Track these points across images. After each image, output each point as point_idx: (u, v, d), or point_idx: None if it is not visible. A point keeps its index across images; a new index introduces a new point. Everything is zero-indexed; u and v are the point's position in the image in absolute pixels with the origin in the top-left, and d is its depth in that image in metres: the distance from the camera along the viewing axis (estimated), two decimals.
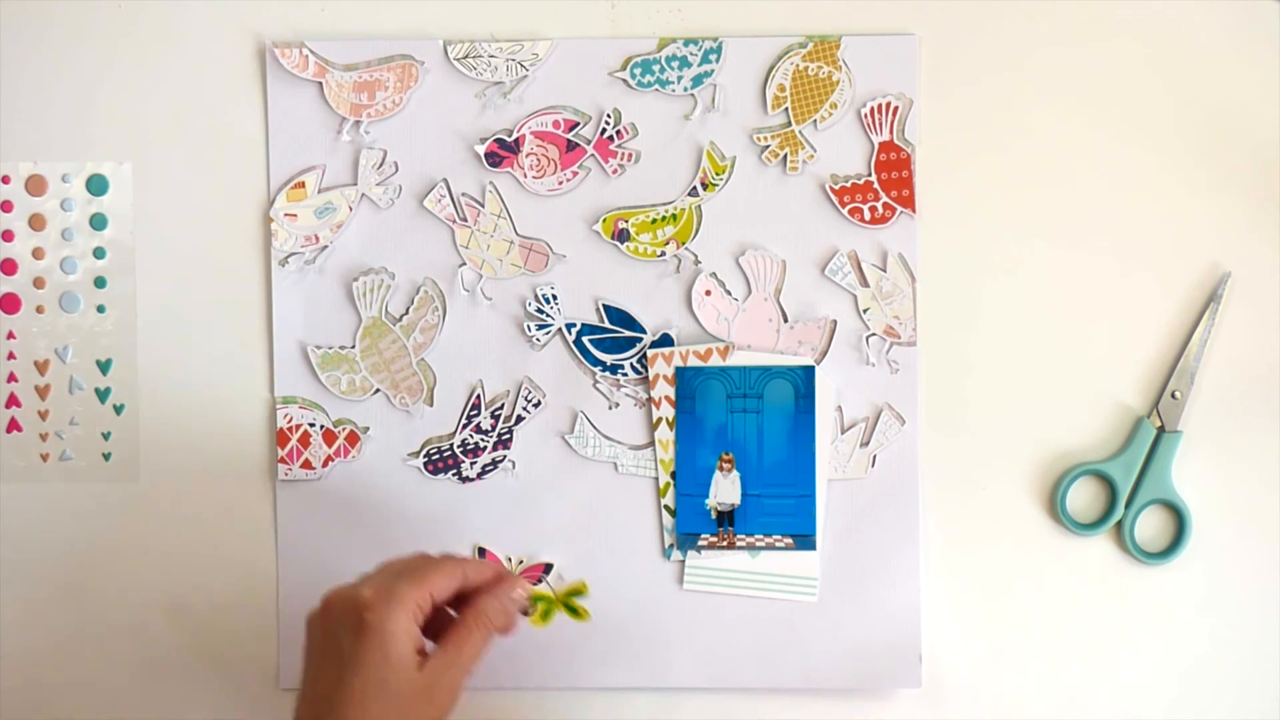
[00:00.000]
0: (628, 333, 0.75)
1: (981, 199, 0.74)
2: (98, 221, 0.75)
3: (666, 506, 0.74)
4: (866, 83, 0.74)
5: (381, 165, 0.75)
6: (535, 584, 0.74)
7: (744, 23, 0.74)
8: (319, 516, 0.75)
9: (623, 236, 0.74)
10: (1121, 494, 0.74)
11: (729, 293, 0.74)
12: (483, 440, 0.75)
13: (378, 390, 0.75)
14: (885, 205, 0.74)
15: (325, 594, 0.64)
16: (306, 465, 0.75)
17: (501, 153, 0.74)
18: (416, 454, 0.75)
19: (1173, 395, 0.74)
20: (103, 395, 0.75)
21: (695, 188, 0.74)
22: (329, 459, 0.75)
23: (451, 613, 0.65)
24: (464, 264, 0.75)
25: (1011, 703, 0.74)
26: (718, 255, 0.74)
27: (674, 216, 0.74)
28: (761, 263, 0.74)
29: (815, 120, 0.74)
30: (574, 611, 0.71)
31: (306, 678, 0.63)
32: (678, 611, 0.74)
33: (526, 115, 0.74)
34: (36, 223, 0.75)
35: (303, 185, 0.75)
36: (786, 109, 0.74)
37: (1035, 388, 0.74)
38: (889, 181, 0.74)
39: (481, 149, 0.74)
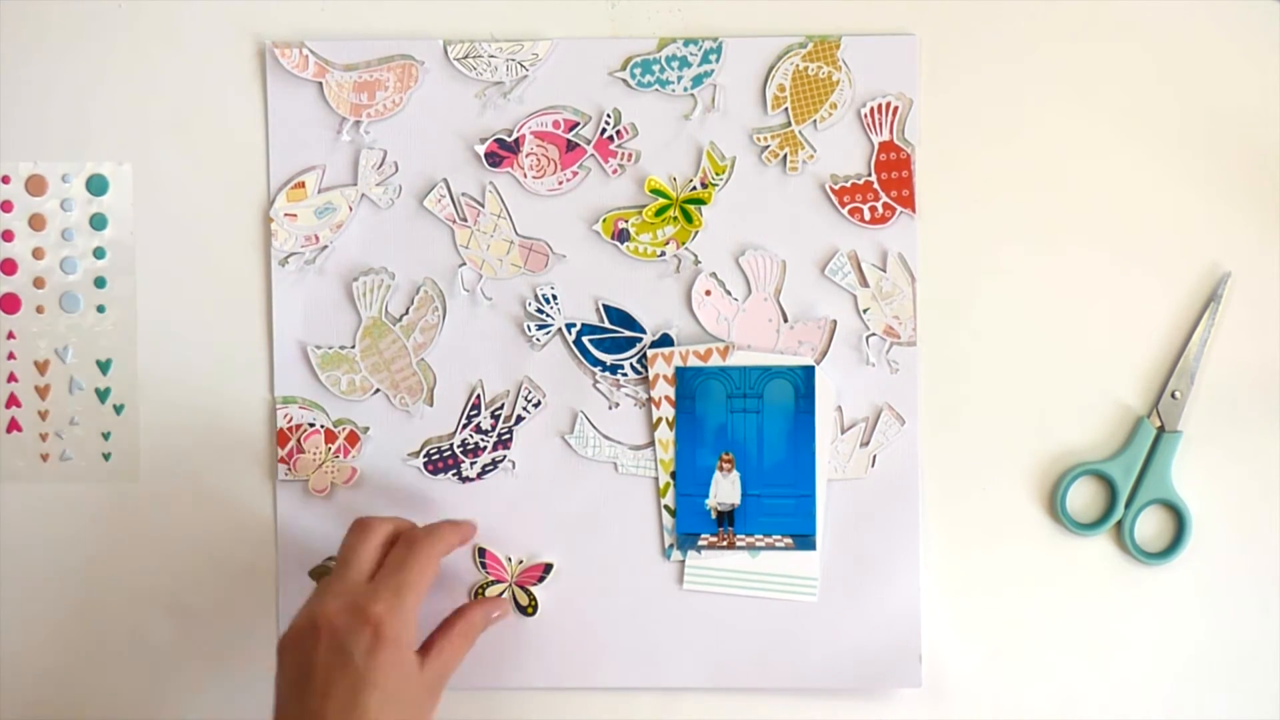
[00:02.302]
0: (628, 333, 0.75)
1: (981, 199, 0.74)
2: (98, 221, 0.75)
3: (666, 506, 0.74)
4: (866, 83, 0.74)
5: (381, 165, 0.75)
6: (536, 583, 0.74)
7: (744, 23, 0.74)
8: (319, 516, 0.75)
9: (623, 236, 0.74)
10: (1121, 494, 0.74)
11: (729, 293, 0.74)
12: (483, 440, 0.75)
13: (378, 390, 0.75)
14: (885, 205, 0.74)
15: (311, 614, 0.64)
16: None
17: (501, 153, 0.74)
18: (416, 454, 0.75)
19: (1173, 395, 0.74)
20: (103, 395, 0.75)
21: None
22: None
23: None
24: (464, 264, 0.75)
25: (1011, 703, 0.74)
26: (718, 255, 0.74)
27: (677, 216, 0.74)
28: (761, 263, 0.74)
29: (815, 120, 0.74)
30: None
31: (309, 697, 0.62)
32: (678, 611, 0.74)
33: (526, 115, 0.74)
34: (36, 223, 0.75)
35: (303, 185, 0.75)
36: (786, 109, 0.74)
37: (1035, 388, 0.74)
38: (889, 181, 0.74)
39: (481, 149, 0.74)
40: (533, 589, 0.74)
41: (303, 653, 0.64)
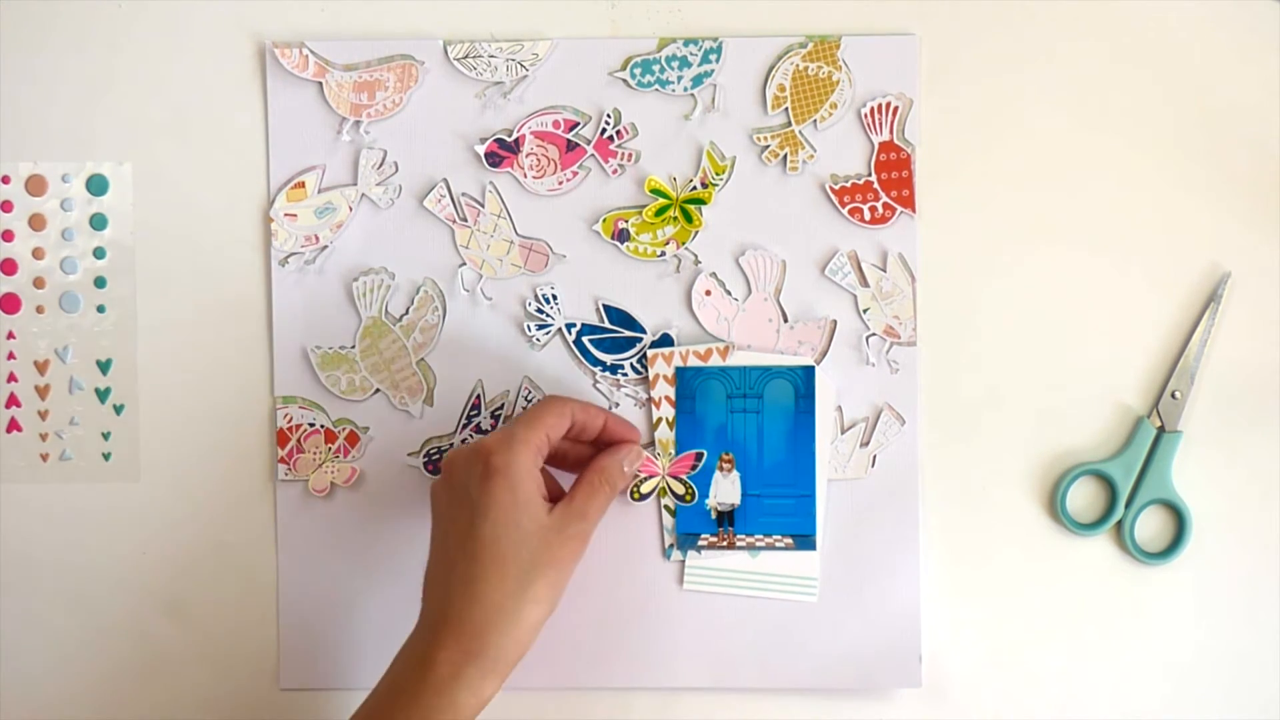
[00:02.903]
0: (628, 333, 0.75)
1: (981, 199, 0.74)
2: (98, 221, 0.75)
3: (666, 506, 0.74)
4: (866, 83, 0.74)
5: (381, 165, 0.75)
6: (690, 472, 0.74)
7: (744, 23, 0.74)
8: (319, 516, 0.75)
9: (623, 236, 0.74)
10: (1121, 494, 0.74)
11: (729, 293, 0.74)
12: None
13: (378, 390, 0.75)
14: (885, 205, 0.74)
15: (445, 457, 0.68)
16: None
17: (501, 153, 0.74)
18: (417, 454, 0.75)
19: (1173, 395, 0.74)
20: (103, 395, 0.75)
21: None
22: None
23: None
24: (464, 264, 0.75)
25: (1011, 702, 0.74)
26: (718, 255, 0.74)
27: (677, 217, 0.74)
28: (761, 263, 0.74)
29: (815, 120, 0.74)
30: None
31: (436, 537, 0.67)
32: (678, 611, 0.74)
33: (526, 115, 0.74)
34: (36, 223, 0.75)
35: (303, 185, 0.75)
36: (786, 109, 0.74)
37: (1035, 388, 0.74)
38: (889, 181, 0.74)
39: (481, 149, 0.74)
40: (687, 478, 0.74)
41: (436, 492, 0.68)
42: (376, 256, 0.75)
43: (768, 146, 0.74)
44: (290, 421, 0.75)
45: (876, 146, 0.74)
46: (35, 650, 0.76)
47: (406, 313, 0.75)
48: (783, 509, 0.74)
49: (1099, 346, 0.74)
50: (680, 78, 0.74)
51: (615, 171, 0.74)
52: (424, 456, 0.75)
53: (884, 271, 0.74)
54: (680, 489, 0.74)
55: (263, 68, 0.75)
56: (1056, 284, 0.74)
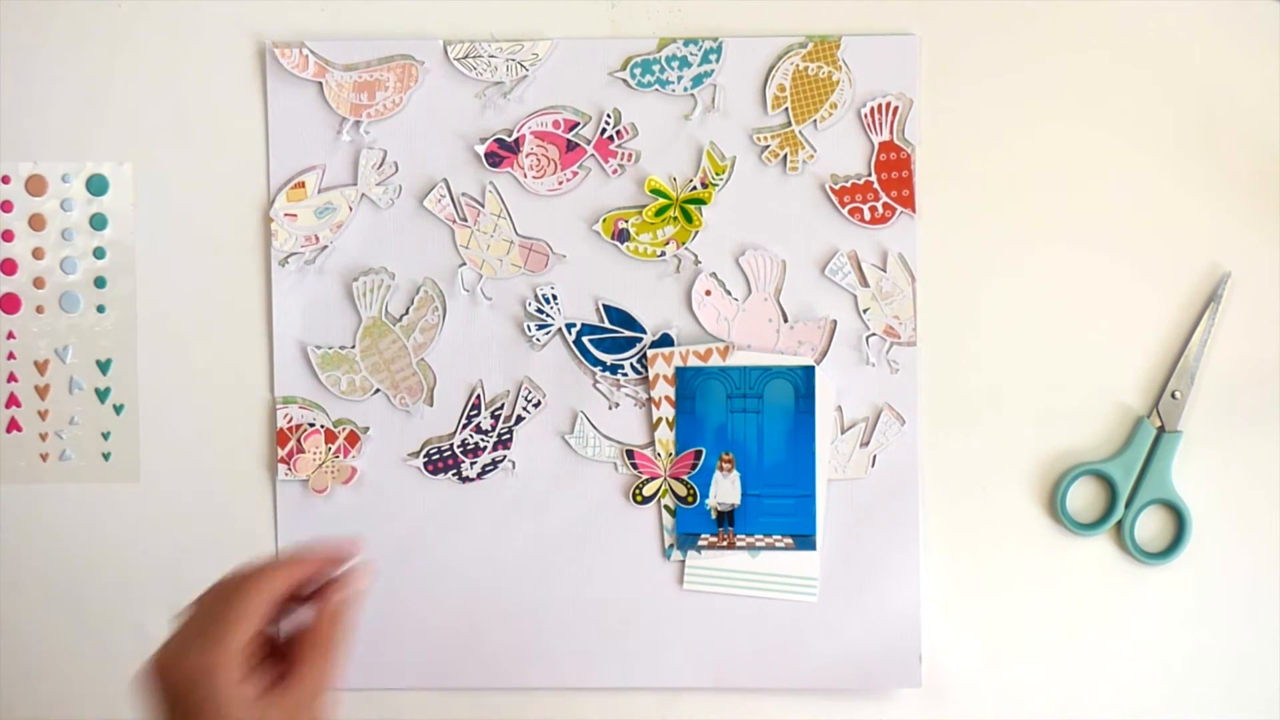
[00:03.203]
0: (628, 333, 0.75)
1: (981, 199, 0.74)
2: (98, 221, 0.75)
3: (666, 507, 0.74)
4: (866, 83, 0.74)
5: (381, 165, 0.75)
6: (690, 472, 0.74)
7: (744, 23, 0.74)
8: (319, 516, 0.75)
9: (623, 236, 0.74)
10: (1121, 494, 0.74)
11: (729, 293, 0.74)
12: (483, 440, 0.75)
13: (378, 390, 0.75)
14: (885, 205, 0.74)
15: (154, 655, 0.59)
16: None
17: (501, 153, 0.74)
18: (416, 454, 0.75)
19: (1173, 395, 0.74)
20: (103, 395, 0.75)
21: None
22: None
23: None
24: (464, 264, 0.75)
25: (1011, 703, 0.74)
26: (718, 255, 0.74)
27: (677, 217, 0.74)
28: (761, 263, 0.74)
29: (815, 120, 0.74)
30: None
31: None
32: (678, 611, 0.74)
33: (526, 115, 0.74)
34: (36, 223, 0.75)
35: (303, 185, 0.75)
36: (786, 109, 0.74)
37: (1035, 388, 0.74)
38: (889, 181, 0.74)
39: (481, 149, 0.74)
40: (688, 479, 0.74)
41: (147, 690, 0.59)
42: (376, 256, 0.75)
43: (768, 146, 0.74)
44: (290, 421, 0.75)
45: (876, 146, 0.74)
46: (35, 650, 0.76)
47: (406, 313, 0.75)
48: (783, 509, 0.74)
49: (1099, 346, 0.74)
50: (680, 78, 0.74)
51: (615, 171, 0.74)
52: (424, 456, 0.75)
53: (884, 271, 0.74)
54: (682, 490, 0.74)
55: (263, 68, 0.75)
56: (1056, 284, 0.74)
